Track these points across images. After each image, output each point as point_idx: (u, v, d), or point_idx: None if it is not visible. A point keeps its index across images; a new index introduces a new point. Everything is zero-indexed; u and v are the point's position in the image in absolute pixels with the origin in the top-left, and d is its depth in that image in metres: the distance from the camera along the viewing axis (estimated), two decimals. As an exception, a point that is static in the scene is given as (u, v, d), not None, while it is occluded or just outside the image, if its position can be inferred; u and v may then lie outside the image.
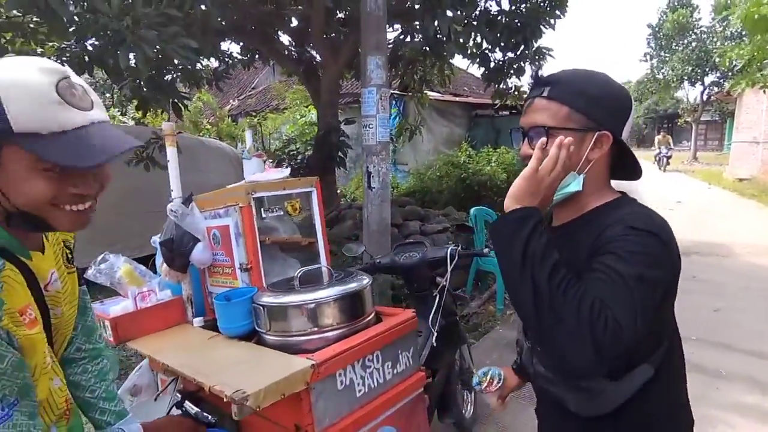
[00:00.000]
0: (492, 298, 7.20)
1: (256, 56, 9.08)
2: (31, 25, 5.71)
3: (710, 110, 37.47)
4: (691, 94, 34.26)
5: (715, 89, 31.16)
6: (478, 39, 8.13)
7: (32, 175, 1.14)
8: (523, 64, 8.51)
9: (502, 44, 8.17)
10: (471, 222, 7.15)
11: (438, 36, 6.71)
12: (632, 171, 1.58)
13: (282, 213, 2.71)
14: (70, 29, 4.91)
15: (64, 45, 5.76)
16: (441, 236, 7.98)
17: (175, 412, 2.25)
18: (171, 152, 2.65)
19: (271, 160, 3.29)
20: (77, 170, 1.19)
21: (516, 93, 9.39)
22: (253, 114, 18.01)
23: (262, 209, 2.64)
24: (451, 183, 11.15)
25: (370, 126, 5.46)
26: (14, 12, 5.32)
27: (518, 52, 8.33)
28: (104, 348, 1.81)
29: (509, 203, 1.37)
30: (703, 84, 31.32)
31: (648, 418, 1.48)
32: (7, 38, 5.64)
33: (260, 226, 2.60)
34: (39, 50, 6.02)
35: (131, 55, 4.57)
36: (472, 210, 7.24)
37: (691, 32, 30.89)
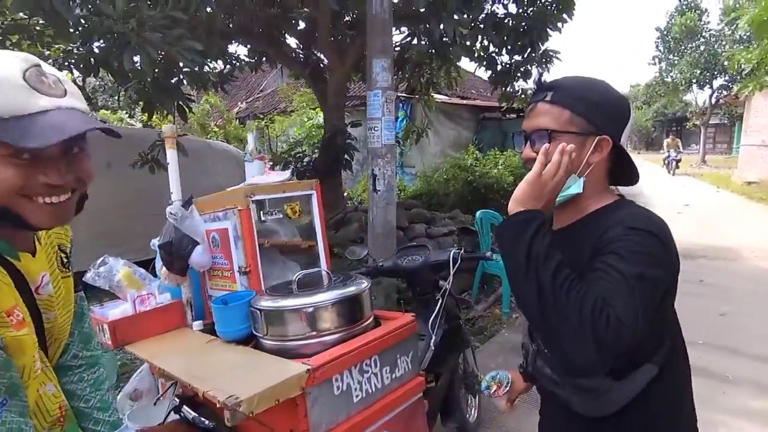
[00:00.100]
0: (498, 302, 7.18)
1: (263, 59, 9.07)
2: (37, 28, 5.73)
3: (719, 113, 37.30)
4: (699, 97, 34.26)
5: (724, 92, 31.02)
6: (485, 42, 8.09)
7: None
8: (530, 67, 8.46)
9: (509, 47, 8.13)
10: (477, 225, 7.12)
11: (444, 39, 6.68)
12: (630, 176, 1.62)
13: (282, 216, 2.70)
14: (75, 32, 4.92)
15: (70, 47, 5.77)
16: (447, 239, 7.96)
17: (174, 416, 2.24)
18: (171, 155, 2.64)
19: (272, 163, 3.28)
20: (44, 156, 1.15)
21: (523, 96, 9.35)
22: (261, 117, 18.03)
23: (262, 212, 2.63)
24: (458, 186, 11.11)
25: (376, 129, 5.45)
26: (20, 14, 5.34)
27: (525, 55, 8.28)
28: (101, 356, 1.79)
29: (513, 206, 1.41)
30: (711, 87, 31.21)
31: (652, 418, 1.51)
32: (14, 41, 5.66)
33: (260, 229, 2.60)
34: (46, 52, 6.05)
35: (136, 58, 4.56)
36: (478, 213, 7.20)
37: (699, 36, 30.79)
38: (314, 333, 2.12)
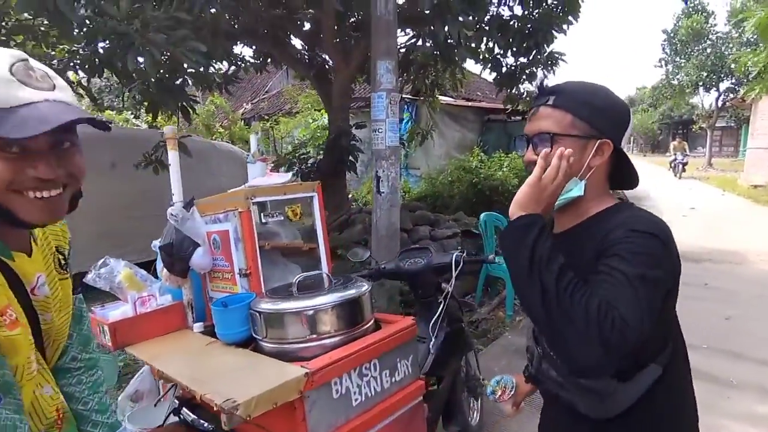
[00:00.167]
0: (502, 304, 7.16)
1: (269, 60, 9.07)
2: (42, 28, 5.75)
3: (725, 116, 37.25)
4: (706, 100, 34.15)
5: (731, 95, 30.98)
6: (490, 44, 8.09)
7: None
8: (535, 69, 8.44)
9: (514, 49, 8.11)
10: (481, 228, 7.12)
11: (448, 41, 6.67)
12: (630, 179, 1.65)
13: (283, 218, 2.70)
14: (80, 32, 4.92)
15: (74, 48, 5.78)
16: (451, 241, 7.94)
17: (173, 418, 2.24)
18: (172, 156, 2.64)
19: (276, 164, 3.28)
20: (33, 149, 1.15)
21: (528, 98, 9.30)
22: (266, 118, 18.06)
23: (263, 214, 2.63)
24: (463, 188, 11.10)
25: (380, 130, 5.44)
26: (25, 15, 5.35)
27: (530, 57, 8.26)
28: (99, 358, 1.79)
29: (514, 210, 1.45)
30: (718, 90, 31.19)
31: (656, 419, 1.53)
32: (18, 41, 5.68)
33: (261, 231, 2.59)
34: (51, 53, 6.06)
35: (140, 58, 4.57)
36: (482, 215, 7.20)
37: (706, 38, 30.75)
38: (314, 336, 2.11)
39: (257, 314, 2.17)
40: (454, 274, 3.22)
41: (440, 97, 11.51)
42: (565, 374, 1.59)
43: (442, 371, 3.34)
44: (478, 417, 4.07)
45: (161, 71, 5.51)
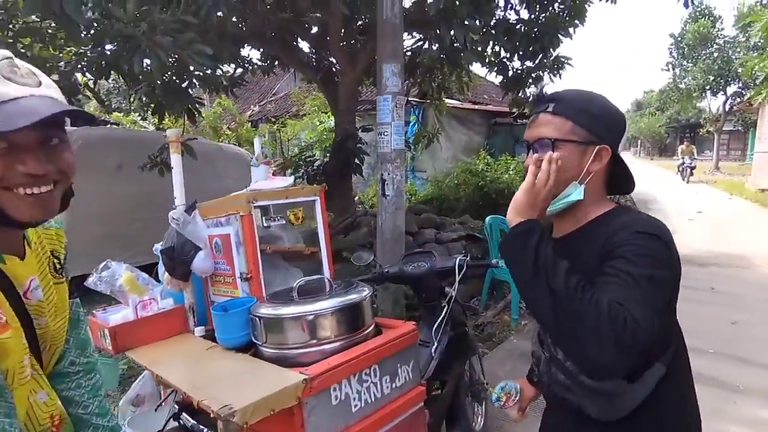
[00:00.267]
0: (507, 308, 7.12)
1: (276, 63, 9.09)
2: (49, 31, 5.76)
3: (732, 120, 37.11)
4: (713, 103, 34.13)
5: (738, 99, 30.87)
6: (496, 48, 8.10)
7: None
8: (541, 73, 8.44)
9: (521, 53, 8.12)
10: (486, 231, 7.10)
11: (455, 45, 6.67)
12: (627, 185, 1.69)
13: (285, 222, 2.69)
14: (87, 35, 4.94)
15: (81, 50, 5.80)
16: (456, 245, 7.93)
17: (173, 423, 2.23)
18: (175, 159, 2.64)
19: (278, 166, 3.27)
20: (21, 144, 1.14)
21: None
22: (273, 120, 18.09)
23: (265, 217, 2.62)
24: (469, 191, 11.11)
25: (385, 133, 5.44)
26: (32, 17, 5.36)
27: (537, 61, 8.26)
28: (98, 361, 1.78)
29: (511, 216, 1.48)
30: (725, 94, 31.06)
31: (661, 419, 1.54)
32: (26, 43, 5.69)
33: (263, 235, 2.59)
34: (58, 55, 6.08)
35: (146, 61, 4.57)
36: (487, 219, 7.17)
37: (713, 42, 30.67)
38: (313, 341, 2.10)
39: (257, 319, 2.17)
40: (457, 279, 3.21)
41: (447, 100, 11.51)
42: (573, 377, 1.59)
43: (445, 375, 3.32)
44: (482, 422, 4.04)
45: (168, 74, 5.51)
